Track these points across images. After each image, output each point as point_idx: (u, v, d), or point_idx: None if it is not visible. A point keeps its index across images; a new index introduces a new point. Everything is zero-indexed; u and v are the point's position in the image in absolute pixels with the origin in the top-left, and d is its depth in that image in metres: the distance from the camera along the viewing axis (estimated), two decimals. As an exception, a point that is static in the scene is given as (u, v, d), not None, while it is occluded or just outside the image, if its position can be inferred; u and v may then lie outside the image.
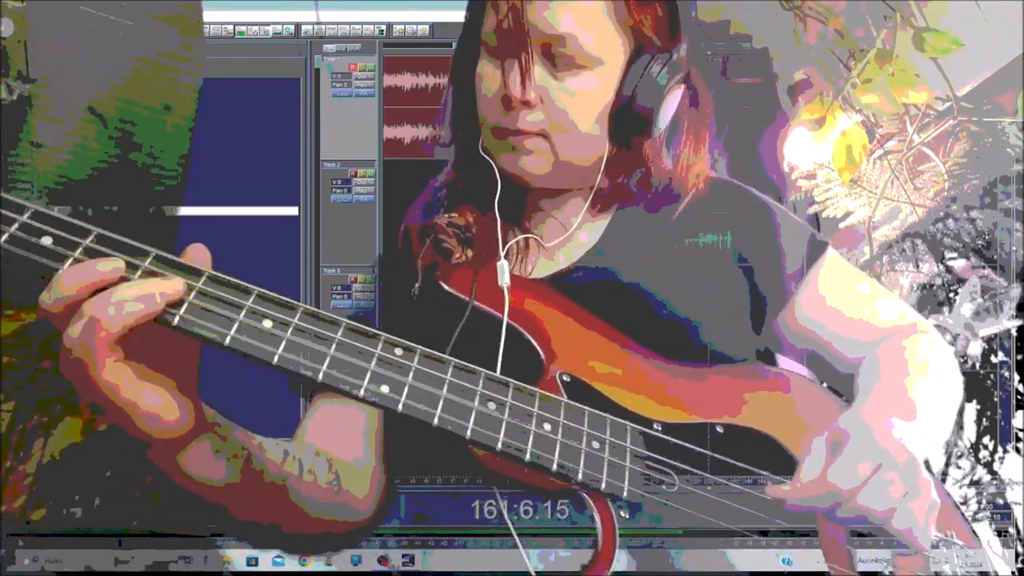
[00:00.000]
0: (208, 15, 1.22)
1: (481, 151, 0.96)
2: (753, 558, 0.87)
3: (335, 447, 0.90)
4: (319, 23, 1.24)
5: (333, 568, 0.95)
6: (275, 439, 0.85)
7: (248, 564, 1.04)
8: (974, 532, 0.94)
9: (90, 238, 0.73)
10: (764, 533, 0.86)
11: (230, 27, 1.23)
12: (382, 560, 0.96)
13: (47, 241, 0.72)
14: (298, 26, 1.24)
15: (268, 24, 1.24)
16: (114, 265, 0.69)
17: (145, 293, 0.68)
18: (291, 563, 1.00)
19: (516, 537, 0.86)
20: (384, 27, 1.24)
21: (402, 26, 1.24)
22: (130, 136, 1.19)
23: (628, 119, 0.93)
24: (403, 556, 0.96)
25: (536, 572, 0.85)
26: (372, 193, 1.23)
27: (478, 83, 0.95)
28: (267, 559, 1.03)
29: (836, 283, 1.03)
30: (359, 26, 1.24)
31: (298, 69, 1.23)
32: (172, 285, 0.70)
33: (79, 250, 0.72)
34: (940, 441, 0.96)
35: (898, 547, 0.83)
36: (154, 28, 1.20)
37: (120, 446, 1.16)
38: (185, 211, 1.21)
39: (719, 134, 1.13)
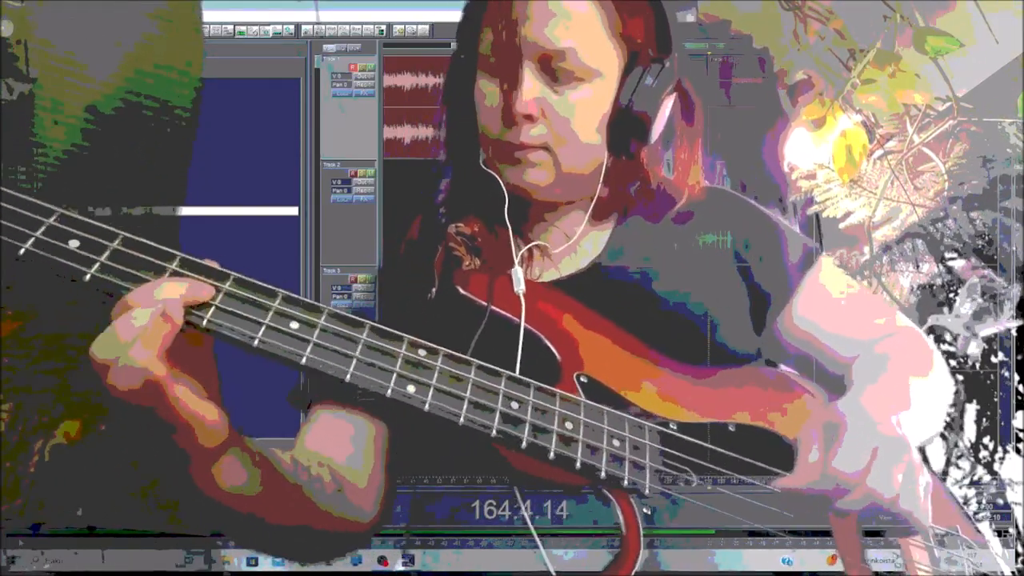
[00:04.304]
0: (208, 15, 1.22)
1: (484, 166, 0.97)
2: (753, 558, 0.87)
3: (335, 454, 0.91)
4: (319, 23, 1.24)
5: (333, 568, 0.95)
6: (277, 449, 0.86)
7: (248, 564, 1.04)
8: (977, 529, 0.95)
9: (117, 241, 0.73)
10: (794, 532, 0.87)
11: (230, 27, 1.23)
12: (382, 560, 0.96)
13: (74, 244, 0.72)
14: (298, 26, 1.24)
15: (268, 24, 1.24)
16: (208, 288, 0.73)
17: (182, 283, 0.71)
18: (291, 563, 1.00)
19: (536, 538, 0.87)
20: (384, 27, 1.25)
21: (402, 26, 1.25)
22: (131, 135, 1.19)
23: (625, 128, 0.94)
24: (403, 556, 0.96)
25: (557, 572, 0.86)
26: (372, 193, 1.23)
27: (479, 101, 0.95)
28: (267, 559, 1.02)
29: (830, 286, 1.05)
30: (359, 26, 1.24)
31: (298, 69, 1.23)
32: (201, 285, 0.73)
33: (106, 254, 0.72)
34: (930, 434, 0.99)
35: (899, 524, 0.84)
36: (154, 27, 1.20)
37: (120, 446, 1.16)
38: (185, 211, 1.21)
39: (710, 148, 1.15)
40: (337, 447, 0.92)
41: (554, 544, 0.88)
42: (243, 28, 1.23)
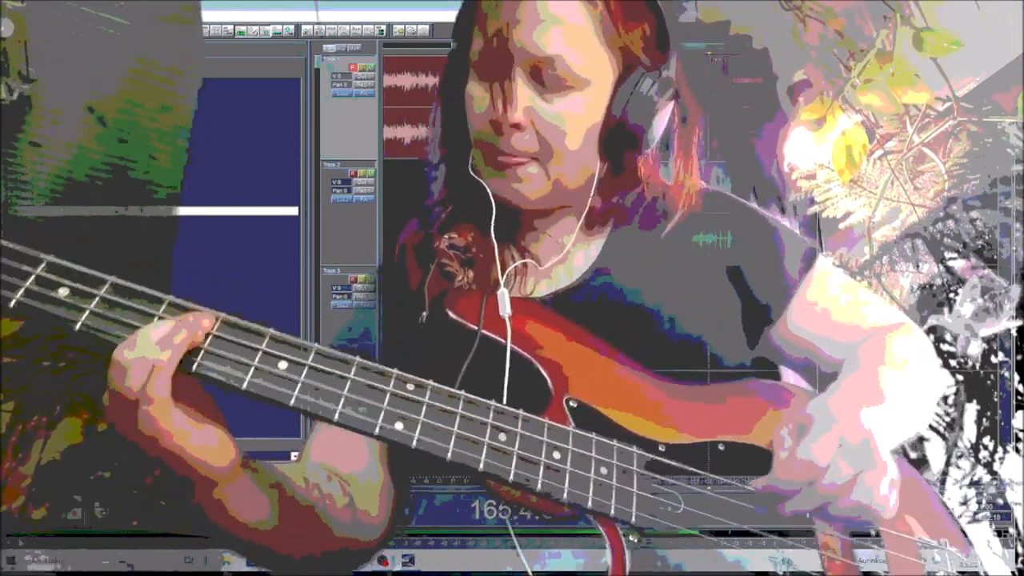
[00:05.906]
0: (208, 15, 1.22)
1: (471, 171, 0.95)
2: (753, 558, 0.87)
3: (344, 465, 0.91)
4: (319, 23, 1.24)
5: (333, 568, 0.95)
6: (288, 464, 0.86)
7: (248, 564, 1.04)
8: (967, 539, 0.94)
9: (105, 287, 0.74)
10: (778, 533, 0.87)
11: (230, 27, 1.23)
12: (382, 560, 0.96)
13: (63, 293, 0.73)
14: (298, 26, 1.24)
15: (268, 24, 1.24)
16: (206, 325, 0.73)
17: (182, 322, 0.71)
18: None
19: (514, 538, 0.87)
20: (384, 27, 1.25)
21: (402, 26, 1.25)
22: (129, 136, 1.19)
23: (619, 138, 0.92)
24: (403, 556, 0.96)
25: (533, 573, 0.86)
26: (372, 193, 1.23)
27: (468, 104, 0.93)
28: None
29: (825, 289, 1.03)
30: (359, 26, 1.24)
31: (298, 69, 1.23)
32: (202, 315, 0.73)
33: (95, 301, 0.73)
34: (915, 428, 0.97)
35: (860, 523, 0.84)
36: (153, 28, 1.20)
37: (120, 446, 1.16)
38: (185, 211, 1.21)
39: (709, 154, 1.14)
40: (348, 456, 0.91)
41: (553, 544, 0.88)
42: (243, 28, 1.23)
